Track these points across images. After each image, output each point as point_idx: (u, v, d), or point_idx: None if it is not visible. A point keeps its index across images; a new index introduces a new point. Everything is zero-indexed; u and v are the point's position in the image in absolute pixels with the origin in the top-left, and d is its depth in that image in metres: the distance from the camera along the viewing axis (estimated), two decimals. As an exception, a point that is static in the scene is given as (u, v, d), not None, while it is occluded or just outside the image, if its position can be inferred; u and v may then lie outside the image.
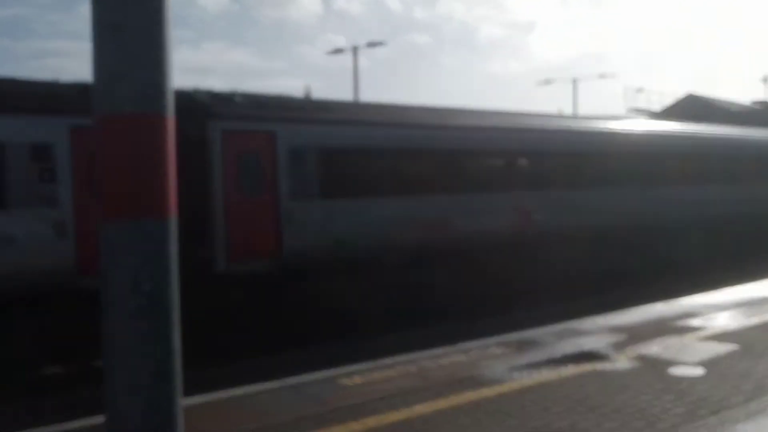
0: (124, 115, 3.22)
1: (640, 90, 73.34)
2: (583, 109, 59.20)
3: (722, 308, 10.32)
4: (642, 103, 45.97)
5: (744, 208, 20.71)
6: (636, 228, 17.02)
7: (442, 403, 6.16)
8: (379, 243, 12.78)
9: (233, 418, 6.02)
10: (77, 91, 10.33)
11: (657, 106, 49.44)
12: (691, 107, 46.63)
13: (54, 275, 9.70)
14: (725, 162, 20.70)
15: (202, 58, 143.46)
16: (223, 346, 10.33)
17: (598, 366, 7.31)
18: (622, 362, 7.42)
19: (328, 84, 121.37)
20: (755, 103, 52.51)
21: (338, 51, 38.29)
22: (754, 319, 9.50)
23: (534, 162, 15.73)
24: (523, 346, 8.23)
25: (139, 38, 3.22)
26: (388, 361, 7.64)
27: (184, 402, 6.14)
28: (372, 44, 36.69)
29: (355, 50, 37.09)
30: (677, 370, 7.05)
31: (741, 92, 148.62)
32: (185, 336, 3.40)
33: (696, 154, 19.76)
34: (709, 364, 7.27)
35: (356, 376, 7.07)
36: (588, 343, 8.26)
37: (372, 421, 5.75)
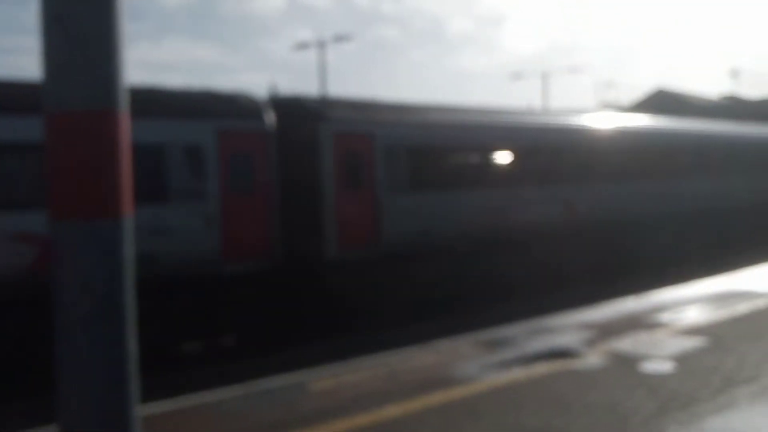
0: (74, 112, 3.07)
1: (610, 84, 73.84)
2: (554, 104, 59.59)
3: (692, 302, 10.37)
4: (612, 97, 46.42)
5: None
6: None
7: (412, 405, 6.08)
8: (455, 232, 14.27)
9: (196, 426, 5.89)
10: (223, 97, 12.06)
11: (627, 100, 49.93)
12: (661, 101, 47.17)
13: (202, 262, 11.04)
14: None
15: (162, 54, 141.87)
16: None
17: (570, 363, 7.27)
18: (593, 359, 7.40)
19: (294, 79, 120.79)
20: (723, 97, 53.26)
21: (303, 46, 37.95)
22: (723, 313, 9.55)
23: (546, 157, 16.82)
24: (494, 344, 8.18)
25: (88, 30, 3.07)
26: (358, 362, 7.55)
27: (155, 408, 6.07)
28: (339, 38, 36.46)
29: (321, 45, 36.84)
30: (648, 366, 7.04)
31: (710, 86, 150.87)
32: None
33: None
34: (680, 358, 7.28)
35: (326, 379, 6.96)
36: (559, 340, 8.24)
37: (341, 425, 5.65)
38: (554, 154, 16.58)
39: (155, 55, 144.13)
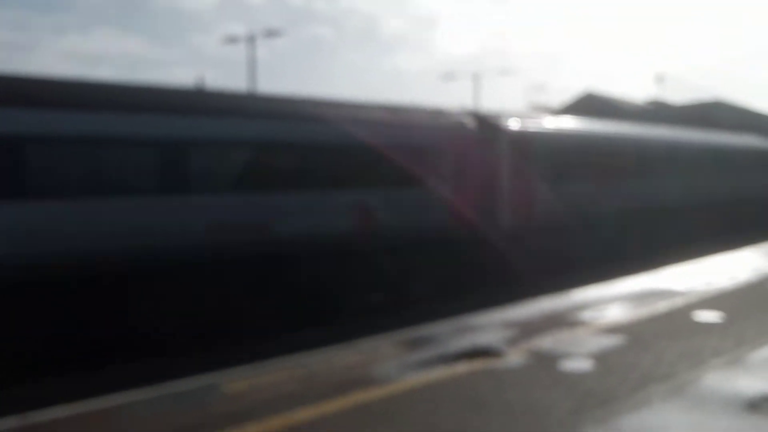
0: None
1: (540, 87, 75.24)
2: (486, 105, 60.39)
3: (613, 300, 10.50)
4: (542, 99, 47.32)
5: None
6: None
7: (328, 406, 5.90)
8: (570, 214, 17.50)
9: None
10: (447, 113, 16.13)
11: (556, 103, 50.91)
12: (589, 105, 48.22)
13: (442, 229, 14.63)
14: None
15: (91, 46, 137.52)
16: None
17: (491, 362, 7.22)
18: (514, 357, 7.36)
19: (223, 74, 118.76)
20: (649, 102, 54.79)
21: (233, 40, 37.14)
22: (643, 311, 9.69)
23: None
24: (416, 343, 8.07)
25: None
26: (276, 363, 7.33)
27: (48, 415, 5.73)
28: (269, 34, 35.84)
29: (251, 40, 36.19)
30: (567, 364, 7.04)
31: (636, 91, 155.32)
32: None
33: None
34: (598, 356, 7.30)
35: (241, 381, 6.71)
36: (481, 339, 8.18)
37: (253, 428, 5.43)
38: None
39: (84, 47, 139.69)
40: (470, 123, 16.18)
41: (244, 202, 11.67)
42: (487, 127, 16.45)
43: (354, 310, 12.26)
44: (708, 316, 9.29)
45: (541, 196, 17.10)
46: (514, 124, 17.05)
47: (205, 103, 12.14)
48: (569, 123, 20.74)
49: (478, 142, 15.97)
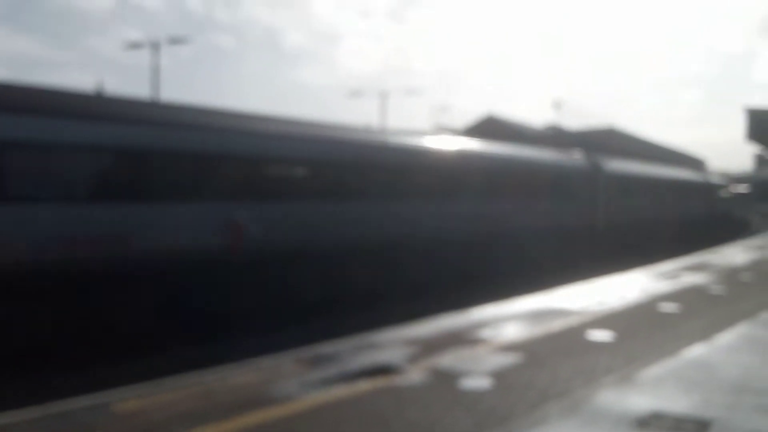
0: None
1: (444, 108, 76.75)
2: (392, 123, 60.93)
3: (511, 319, 10.72)
4: (446, 120, 48.21)
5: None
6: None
7: (226, 426, 5.72)
8: (629, 222, 28.61)
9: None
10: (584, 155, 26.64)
11: (459, 124, 51.97)
12: (490, 127, 49.48)
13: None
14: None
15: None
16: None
17: (392, 380, 7.20)
18: (415, 375, 7.38)
19: (123, 80, 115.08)
20: (548, 127, 56.80)
21: (136, 45, 36.12)
22: (540, 330, 9.93)
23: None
24: (317, 361, 7.96)
25: None
26: (170, 381, 7.06)
27: None
28: (174, 41, 35.04)
29: (156, 46, 35.28)
30: (467, 382, 7.11)
31: (535, 115, 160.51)
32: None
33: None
34: (497, 374, 7.42)
35: (133, 400, 6.42)
36: (383, 356, 8.16)
37: (144, 450, 5.19)
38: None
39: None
40: (585, 161, 26.34)
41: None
42: (593, 165, 26.45)
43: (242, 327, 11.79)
44: (600, 335, 9.62)
45: (614, 209, 27.25)
46: (607, 164, 27.60)
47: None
48: (634, 165, 32.03)
49: (588, 174, 25.88)
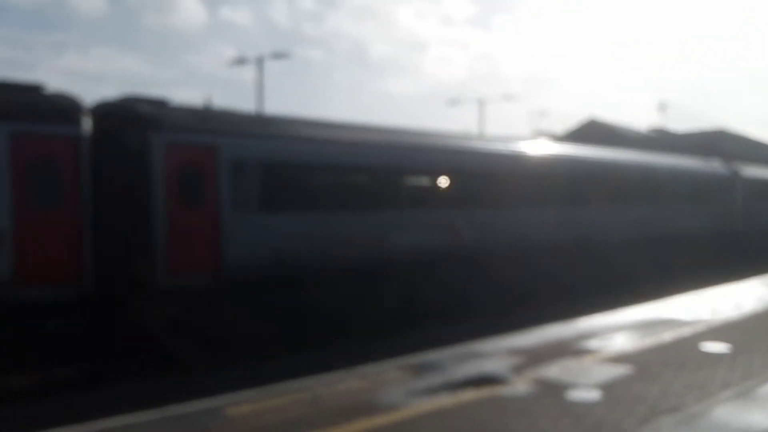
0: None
1: (543, 113, 75.45)
2: (490, 130, 60.55)
3: (619, 330, 10.43)
4: (545, 125, 47.46)
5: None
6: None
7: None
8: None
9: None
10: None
11: (559, 130, 50.97)
12: (592, 131, 48.26)
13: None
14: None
15: (91, 64, 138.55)
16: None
17: (497, 390, 7.15)
18: (520, 386, 7.29)
19: (225, 95, 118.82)
20: (651, 130, 54.88)
21: (241, 62, 37.20)
22: (649, 341, 9.61)
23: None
24: (422, 369, 8.00)
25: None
26: (280, 387, 7.26)
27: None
28: (277, 56, 35.93)
29: (260, 62, 36.31)
30: (574, 394, 6.97)
31: (639, 118, 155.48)
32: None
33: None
34: (605, 387, 7.23)
35: (245, 405, 6.65)
36: (487, 366, 8.11)
37: (257, 454, 5.37)
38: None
39: (83, 65, 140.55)
40: (721, 167, 26.63)
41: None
42: (731, 171, 26.68)
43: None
44: (715, 347, 9.22)
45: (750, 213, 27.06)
46: (743, 171, 27.36)
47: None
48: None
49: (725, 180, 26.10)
